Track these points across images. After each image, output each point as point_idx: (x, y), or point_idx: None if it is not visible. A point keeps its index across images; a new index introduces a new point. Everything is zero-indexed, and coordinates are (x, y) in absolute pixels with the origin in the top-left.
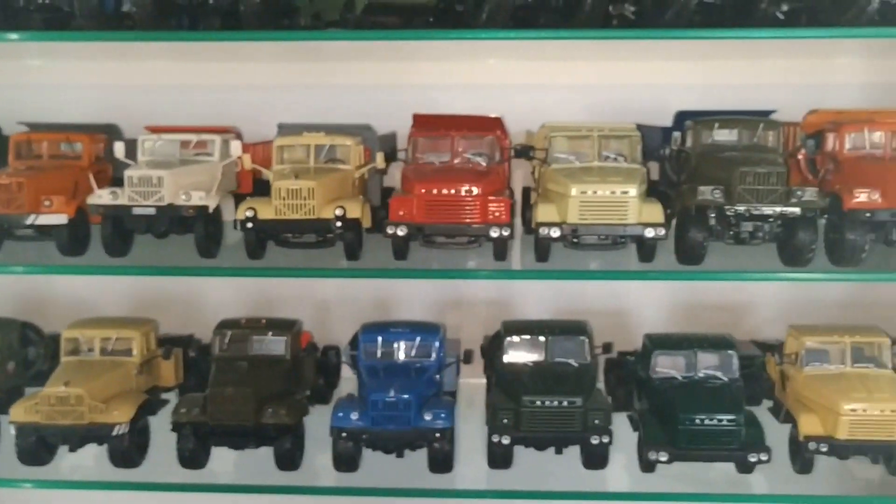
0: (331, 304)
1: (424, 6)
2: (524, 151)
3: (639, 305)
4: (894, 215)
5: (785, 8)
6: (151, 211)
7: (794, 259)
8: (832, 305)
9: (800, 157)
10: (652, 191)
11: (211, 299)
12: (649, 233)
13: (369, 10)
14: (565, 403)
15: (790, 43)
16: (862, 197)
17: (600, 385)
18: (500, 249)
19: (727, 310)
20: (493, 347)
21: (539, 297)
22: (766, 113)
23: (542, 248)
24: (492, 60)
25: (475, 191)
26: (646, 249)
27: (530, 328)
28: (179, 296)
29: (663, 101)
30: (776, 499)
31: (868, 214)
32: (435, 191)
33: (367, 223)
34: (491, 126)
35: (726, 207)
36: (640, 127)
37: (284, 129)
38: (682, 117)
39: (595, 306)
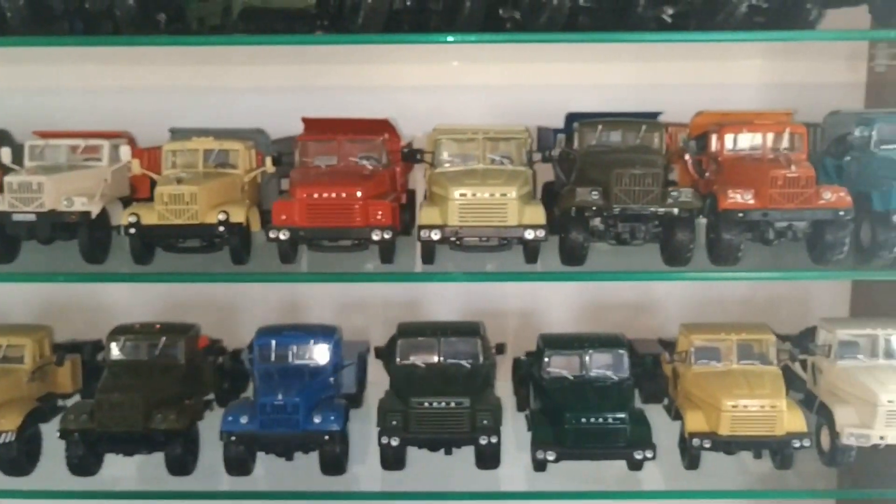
0: (237, 308)
1: (302, 11)
2: (412, 154)
3: (549, 306)
4: (766, 215)
5: (671, 11)
6: (32, 217)
7: (674, 259)
8: (735, 303)
9: (686, 157)
10: (549, 191)
11: (117, 304)
12: (529, 234)
13: (245, 16)
14: (453, 404)
15: (685, 45)
16: (735, 198)
17: (508, 384)
18: (386, 252)
19: (636, 308)
20: (388, 350)
21: (447, 299)
22: (654, 114)
23: (427, 251)
24: (387, 65)
25: (357, 194)
26: (529, 251)
27: (424, 330)
28: (87, 302)
29: (566, 103)
30: (661, 495)
31: (741, 214)
32: (316, 195)
33: (256, 227)
34: (379, 129)
35: (603, 209)
36: (540, 129)
37: (177, 134)
38: (571, 119)
39: (506, 307)
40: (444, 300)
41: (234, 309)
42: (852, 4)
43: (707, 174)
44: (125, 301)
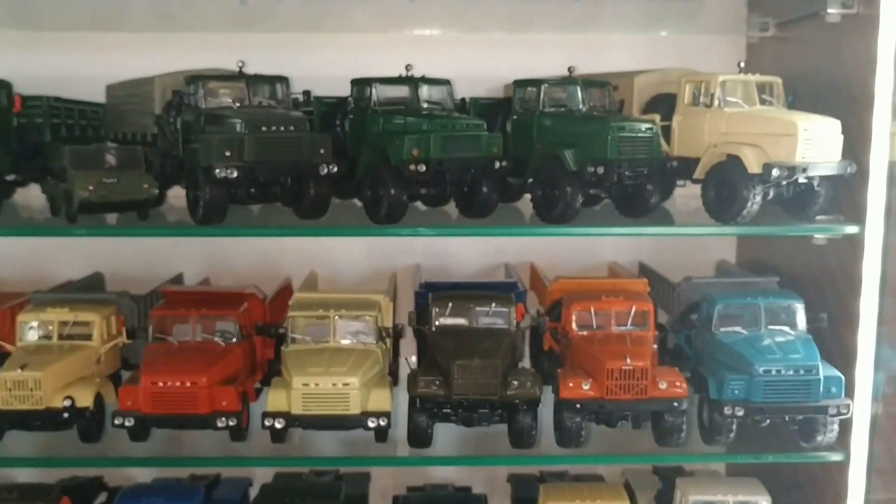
0: None
1: (141, 202)
2: (265, 330)
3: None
4: (602, 406)
5: None
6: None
7: (519, 441)
8: None
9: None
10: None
11: None
12: (372, 423)
13: (84, 209)
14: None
15: None
16: (573, 387)
17: None
18: (236, 433)
19: None
20: None
21: None
22: (510, 284)
23: (274, 435)
24: None
25: (201, 381)
26: (377, 433)
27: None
28: None
29: None
30: None
31: (578, 405)
32: (160, 383)
33: (111, 398)
34: (237, 302)
35: (444, 399)
36: (416, 293)
37: (36, 300)
38: (428, 288)
39: None
40: None
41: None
42: None
43: (560, 343)
44: None
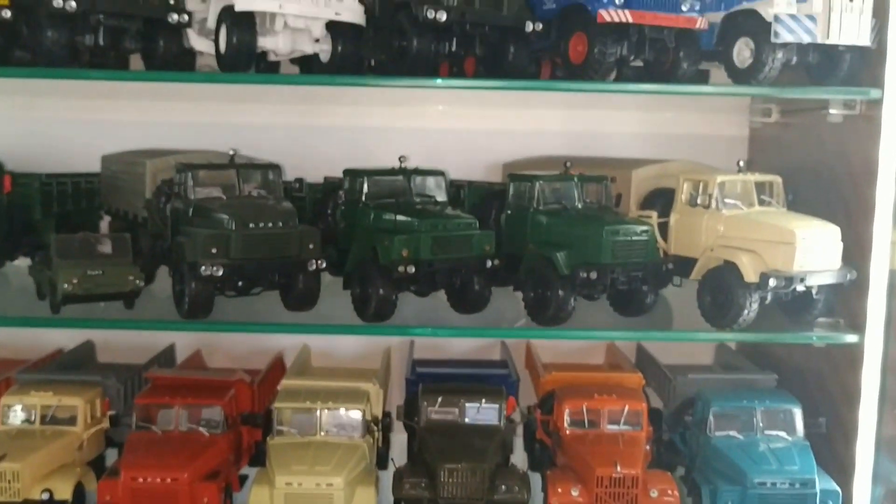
0: None
1: (126, 294)
2: (252, 419)
3: None
4: None
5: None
6: None
7: None
8: None
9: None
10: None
11: None
12: None
13: (67, 301)
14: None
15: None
16: (562, 493)
17: None
18: None
19: None
20: None
21: None
22: (502, 377)
23: None
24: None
25: (182, 477)
26: None
27: None
28: None
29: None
30: None
31: None
32: (140, 478)
33: (92, 486)
34: (224, 390)
35: (430, 502)
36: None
37: (21, 380)
38: (419, 378)
39: None
40: None
41: None
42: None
43: (552, 440)
44: None
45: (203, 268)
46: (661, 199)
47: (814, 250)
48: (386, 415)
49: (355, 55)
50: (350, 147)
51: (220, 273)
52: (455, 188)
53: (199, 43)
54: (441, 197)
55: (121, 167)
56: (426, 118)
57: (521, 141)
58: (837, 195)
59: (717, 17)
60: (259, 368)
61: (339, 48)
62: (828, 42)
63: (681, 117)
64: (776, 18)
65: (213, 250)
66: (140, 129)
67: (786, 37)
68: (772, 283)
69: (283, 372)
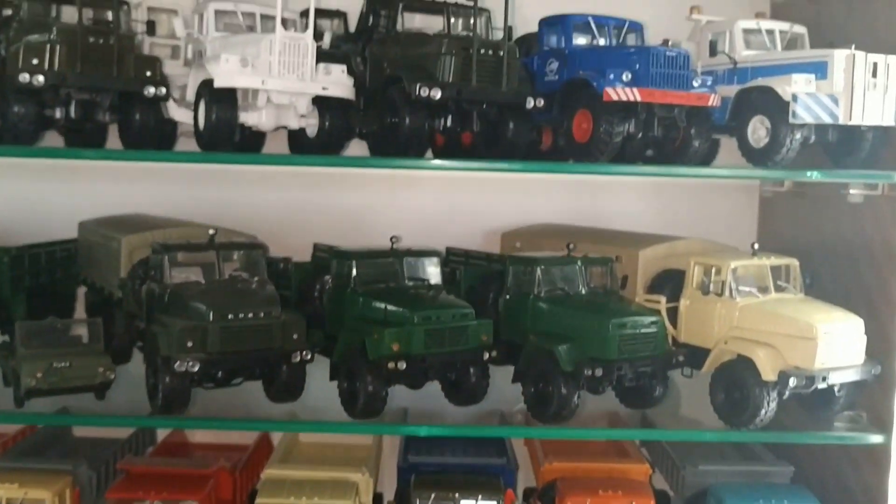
0: None
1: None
2: None
3: None
4: None
5: None
6: None
7: None
8: None
9: None
10: None
11: None
12: None
13: (31, 395)
14: None
15: None
16: None
17: None
18: None
19: None
20: None
21: None
22: (500, 467)
23: None
24: None
25: None
26: None
27: None
28: None
29: None
30: None
31: None
32: None
33: None
34: (202, 481)
35: None
36: None
37: None
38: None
39: None
40: None
41: None
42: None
43: None
44: None
45: (178, 363)
46: (670, 282)
47: (836, 345)
48: (377, 497)
49: (344, 128)
50: (341, 217)
51: (196, 368)
52: (451, 269)
53: (179, 114)
54: (435, 279)
55: (97, 238)
56: (422, 185)
57: (521, 209)
58: (857, 279)
59: (731, 90)
60: (246, 444)
61: (327, 122)
62: (850, 124)
63: (687, 186)
64: (794, 98)
65: (189, 343)
66: (120, 192)
67: (805, 118)
68: (792, 382)
69: (269, 450)
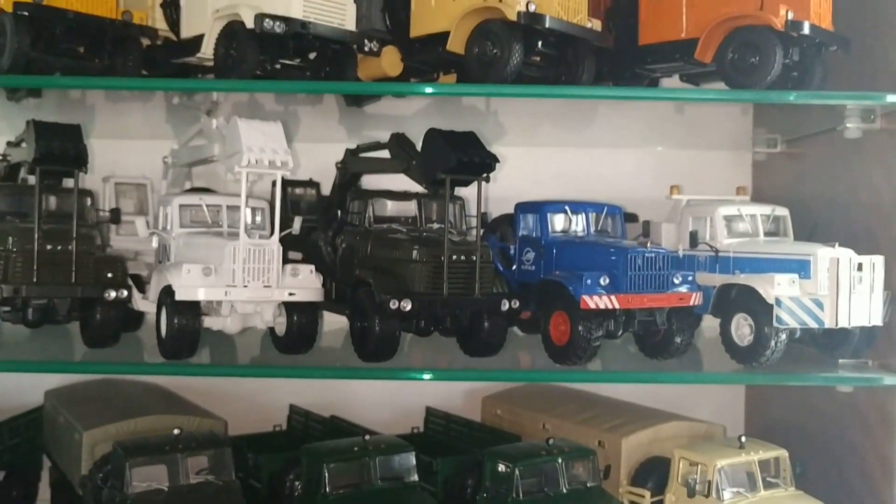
0: None
1: None
2: None
3: None
4: None
5: None
6: None
7: None
8: None
9: None
10: None
11: None
12: None
13: None
14: None
15: None
16: None
17: None
18: None
19: None
20: None
21: None
22: None
23: None
24: None
25: None
26: None
27: None
28: None
29: None
30: None
31: None
32: None
33: None
34: None
35: None
36: None
37: None
38: None
39: None
40: None
41: None
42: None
43: None
44: None
45: None
46: (654, 473)
47: None
48: None
49: (313, 327)
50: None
51: None
52: (427, 460)
53: (146, 306)
54: (410, 477)
55: (61, 420)
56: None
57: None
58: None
59: (712, 279)
60: None
61: (295, 320)
62: (836, 327)
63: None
64: (778, 303)
65: None
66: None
67: (790, 322)
68: None
69: None
